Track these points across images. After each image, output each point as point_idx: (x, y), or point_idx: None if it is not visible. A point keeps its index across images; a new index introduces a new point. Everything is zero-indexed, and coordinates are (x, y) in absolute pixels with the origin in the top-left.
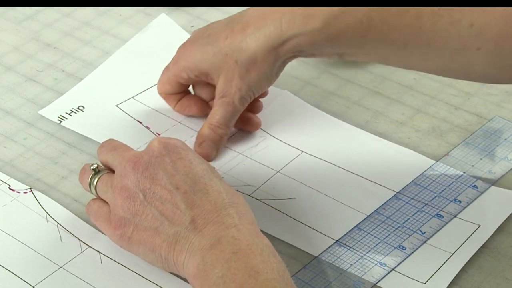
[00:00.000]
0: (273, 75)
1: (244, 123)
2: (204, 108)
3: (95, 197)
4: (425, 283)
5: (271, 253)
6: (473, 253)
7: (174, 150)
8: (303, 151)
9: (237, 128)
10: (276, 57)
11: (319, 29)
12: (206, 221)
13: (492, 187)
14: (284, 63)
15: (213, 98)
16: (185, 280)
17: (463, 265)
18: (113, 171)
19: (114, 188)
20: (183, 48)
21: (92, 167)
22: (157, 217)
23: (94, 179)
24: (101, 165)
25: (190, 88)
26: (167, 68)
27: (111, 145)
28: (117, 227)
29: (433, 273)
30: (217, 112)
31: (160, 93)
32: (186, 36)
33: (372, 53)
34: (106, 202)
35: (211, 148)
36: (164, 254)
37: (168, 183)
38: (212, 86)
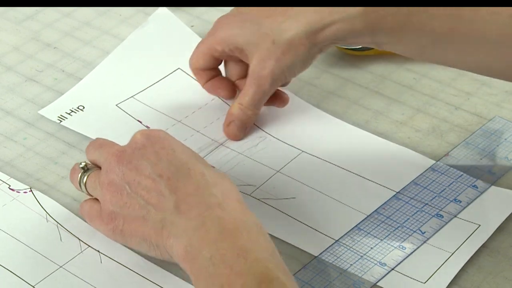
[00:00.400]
0: (308, 61)
1: (271, 100)
2: (232, 93)
3: (88, 198)
4: (425, 283)
5: (260, 231)
6: (473, 253)
7: (156, 140)
8: (303, 151)
9: (265, 105)
10: (314, 43)
11: (359, 15)
12: (189, 203)
13: (492, 187)
14: (321, 51)
15: (242, 77)
16: (185, 279)
17: (463, 265)
18: (101, 168)
19: (102, 184)
20: (221, 20)
21: (80, 166)
22: (143, 206)
23: (84, 177)
24: (90, 163)
25: (222, 69)
26: (202, 41)
27: (97, 143)
28: (109, 221)
29: (433, 273)
30: (248, 92)
31: (192, 69)
32: (187, 30)
33: (410, 43)
34: (97, 200)
35: (239, 128)
36: (154, 241)
37: (152, 172)
38: (244, 64)
